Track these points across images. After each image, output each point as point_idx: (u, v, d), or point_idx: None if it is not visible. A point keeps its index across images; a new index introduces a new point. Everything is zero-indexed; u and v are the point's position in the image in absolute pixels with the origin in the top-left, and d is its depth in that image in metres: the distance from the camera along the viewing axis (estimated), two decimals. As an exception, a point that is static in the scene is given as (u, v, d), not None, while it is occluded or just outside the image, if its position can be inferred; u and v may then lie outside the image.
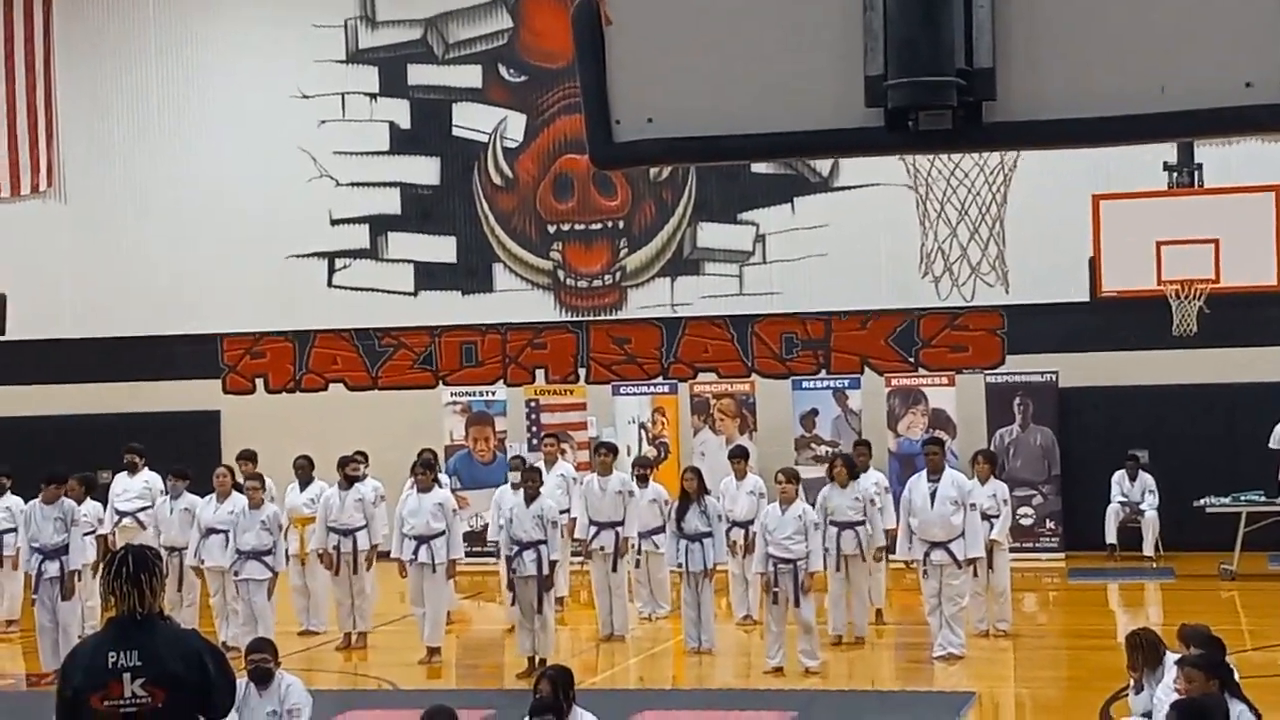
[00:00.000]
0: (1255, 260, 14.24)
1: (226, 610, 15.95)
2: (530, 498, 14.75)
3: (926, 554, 14.64)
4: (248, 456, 17.77)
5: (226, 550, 15.56)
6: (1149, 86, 3.40)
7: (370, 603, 16.46)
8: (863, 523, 15.40)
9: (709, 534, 15.22)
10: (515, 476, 16.32)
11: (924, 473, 14.98)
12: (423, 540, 15.42)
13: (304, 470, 17.41)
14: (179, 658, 6.09)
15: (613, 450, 17.13)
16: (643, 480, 16.86)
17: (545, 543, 14.58)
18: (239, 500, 15.80)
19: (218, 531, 15.72)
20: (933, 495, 14.66)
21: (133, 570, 6.14)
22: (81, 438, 22.25)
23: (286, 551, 15.96)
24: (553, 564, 14.72)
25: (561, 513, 17.20)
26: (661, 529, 16.47)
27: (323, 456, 17.30)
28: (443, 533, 15.46)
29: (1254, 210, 14.36)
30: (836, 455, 17.01)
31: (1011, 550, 20.62)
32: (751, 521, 16.01)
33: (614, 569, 16.13)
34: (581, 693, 9.72)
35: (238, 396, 24.15)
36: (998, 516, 15.88)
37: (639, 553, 16.80)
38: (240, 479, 16.42)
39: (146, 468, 18.14)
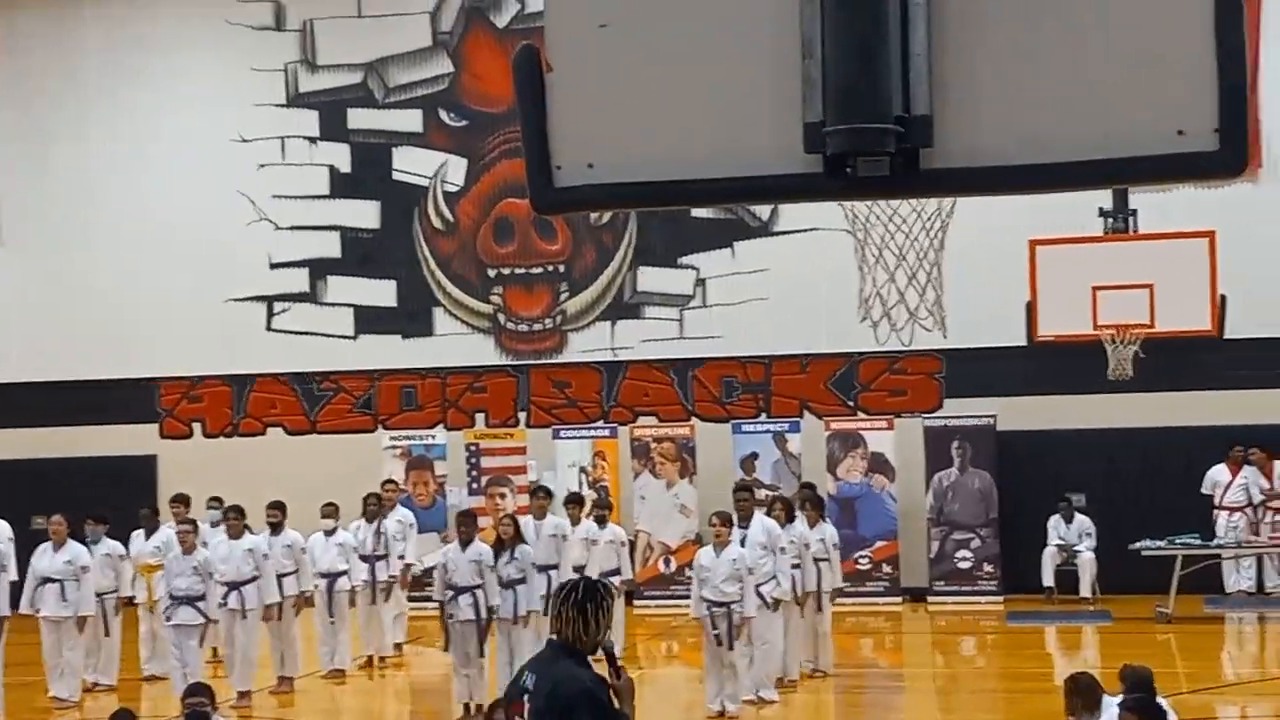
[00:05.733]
0: (1189, 305, 14.39)
1: (61, 665, 15.61)
2: (466, 543, 14.72)
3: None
4: (181, 500, 17.73)
5: (65, 600, 15.38)
6: (1083, 134, 3.45)
7: (298, 648, 16.35)
8: (798, 566, 15.33)
9: (522, 580, 15.09)
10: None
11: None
12: (233, 587, 15.45)
13: (149, 519, 17.51)
14: (549, 698, 6.07)
15: (548, 494, 17.16)
16: (601, 522, 17.04)
17: (482, 588, 14.54)
18: (172, 543, 15.73)
19: (53, 580, 15.51)
20: (742, 541, 14.44)
21: (580, 599, 6.21)
22: (18, 483, 22.01)
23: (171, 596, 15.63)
24: (490, 609, 14.67)
25: (399, 557, 18.15)
26: (617, 570, 16.89)
27: (260, 501, 17.16)
28: (254, 578, 15.51)
29: (1188, 256, 14.52)
30: (776, 498, 17.02)
31: (950, 593, 20.85)
32: (554, 566, 15.96)
33: (545, 613, 16.02)
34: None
35: (175, 441, 23.96)
36: (827, 560, 15.85)
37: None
38: (173, 523, 16.37)
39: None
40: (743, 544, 14.36)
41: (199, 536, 16.00)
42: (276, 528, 16.32)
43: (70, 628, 15.45)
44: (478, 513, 17.47)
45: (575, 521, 16.78)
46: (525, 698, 6.11)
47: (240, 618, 15.48)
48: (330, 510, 17.33)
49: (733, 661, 14.11)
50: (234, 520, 15.79)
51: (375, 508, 17.89)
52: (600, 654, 6.32)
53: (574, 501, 17.34)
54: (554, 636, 6.27)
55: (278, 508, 16.50)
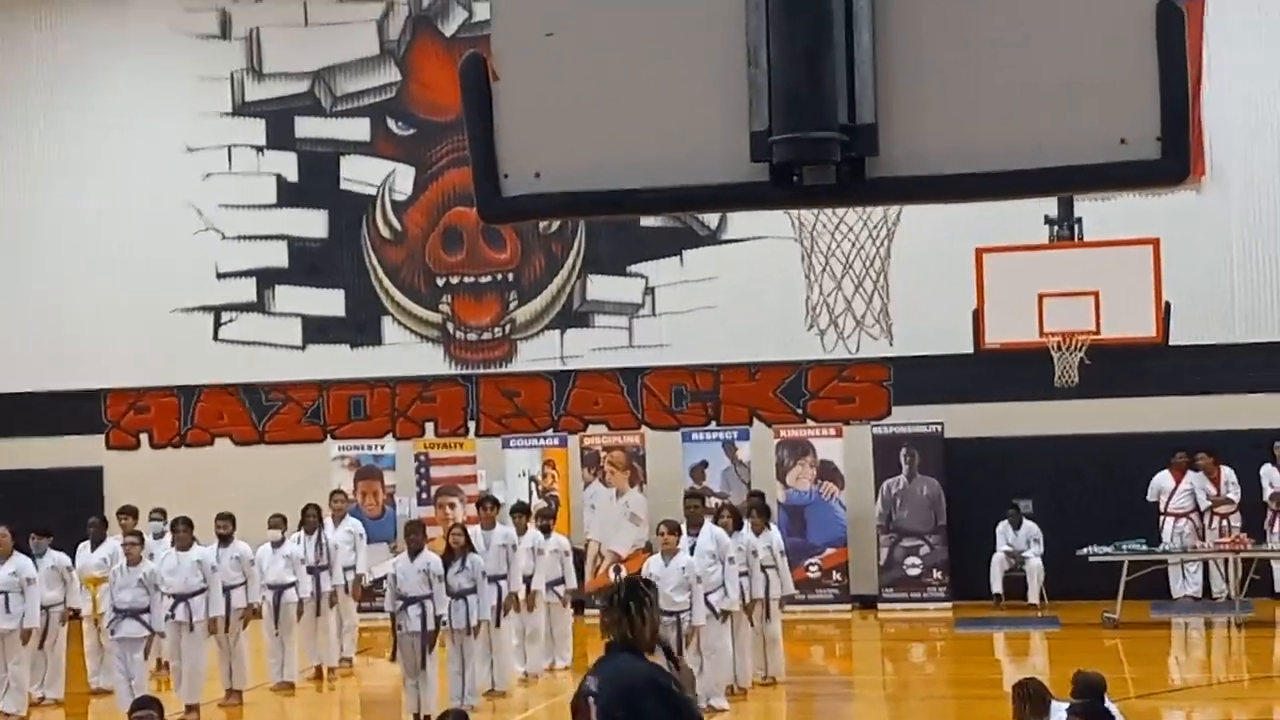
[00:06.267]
0: (1134, 313, 14.49)
1: (7, 679, 15.41)
2: (414, 553, 14.67)
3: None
4: (128, 512, 17.63)
5: (8, 613, 15.24)
6: (1027, 143, 3.47)
7: (246, 660, 16.26)
8: (745, 574, 15.35)
9: (473, 590, 15.07)
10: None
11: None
12: (180, 599, 15.36)
13: (97, 529, 17.41)
14: (616, 692, 6.15)
15: (496, 504, 17.14)
16: (545, 531, 17.12)
17: (430, 598, 14.50)
18: (118, 555, 15.62)
19: None
20: (691, 549, 14.51)
21: (623, 598, 6.27)
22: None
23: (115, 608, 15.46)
24: (438, 619, 14.62)
25: (346, 569, 18.07)
26: (562, 580, 17.07)
27: (208, 512, 17.05)
28: (201, 590, 15.46)
29: (1133, 263, 14.62)
30: (724, 506, 17.03)
31: (900, 600, 20.92)
32: (503, 576, 15.98)
33: (497, 624, 15.99)
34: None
35: (121, 452, 23.81)
36: (774, 567, 15.89)
37: (527, 603, 16.73)
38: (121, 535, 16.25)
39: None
40: (692, 552, 14.37)
41: (145, 549, 15.88)
42: (226, 539, 16.22)
43: (14, 641, 15.32)
44: (428, 523, 17.44)
45: (521, 531, 16.77)
46: (590, 700, 6.18)
47: (188, 630, 15.39)
48: (278, 522, 17.26)
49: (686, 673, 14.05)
50: (182, 532, 15.70)
51: (315, 519, 17.79)
52: (658, 650, 6.43)
53: (520, 511, 17.32)
54: (609, 639, 6.34)
55: (227, 519, 16.41)
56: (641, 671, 6.24)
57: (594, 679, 6.25)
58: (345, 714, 16.58)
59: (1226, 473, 20.53)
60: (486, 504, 16.93)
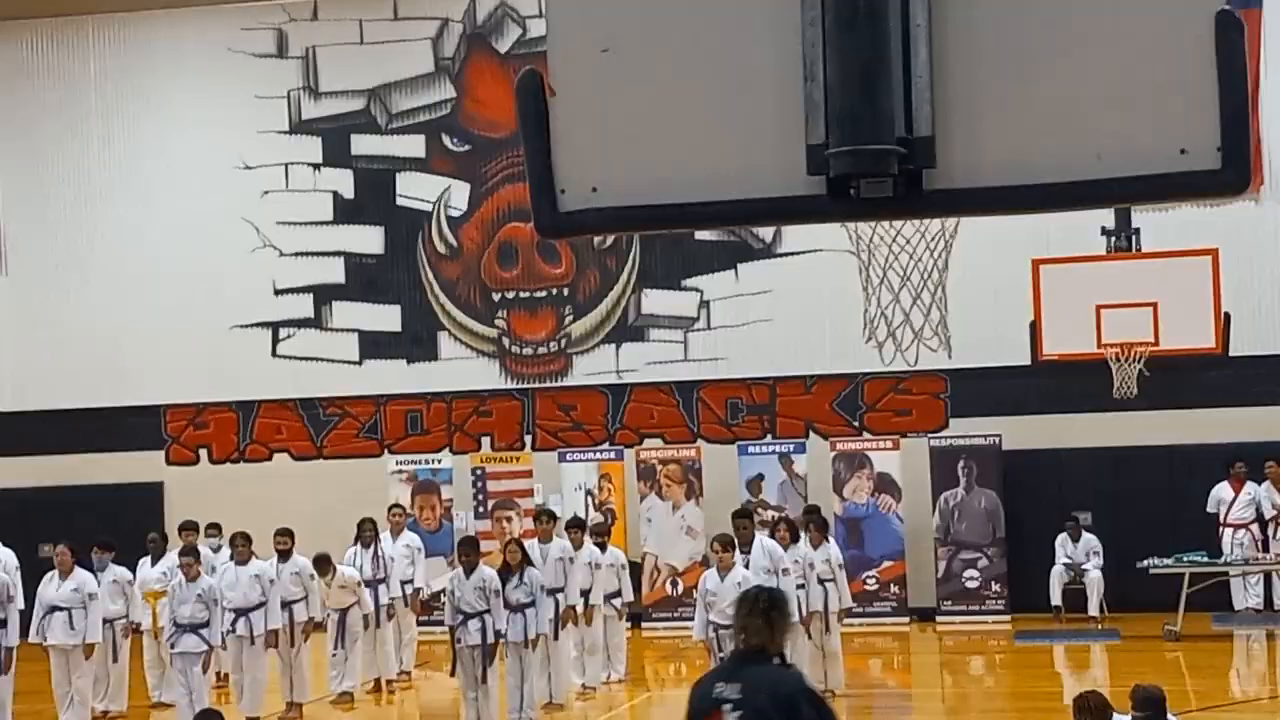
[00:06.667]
0: (1193, 323, 14.39)
1: (70, 694, 15.45)
2: (470, 569, 14.69)
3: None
4: (189, 527, 17.75)
5: (72, 629, 15.32)
6: (1086, 154, 3.46)
7: (308, 674, 16.33)
8: (802, 587, 15.31)
9: (531, 604, 15.04)
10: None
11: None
12: (240, 613, 15.46)
13: (157, 545, 17.48)
14: (770, 697, 6.19)
15: (553, 517, 17.15)
16: (601, 545, 17.09)
17: (489, 612, 14.52)
18: (177, 569, 15.73)
19: (60, 609, 15.38)
20: (746, 564, 14.42)
21: (763, 607, 6.34)
22: (26, 512, 22.02)
23: (175, 623, 15.42)
24: (497, 634, 14.64)
25: (404, 583, 18.16)
26: (619, 593, 17.05)
27: (268, 527, 17.14)
28: (261, 604, 15.55)
29: (1191, 274, 14.53)
30: (780, 519, 17.00)
31: (958, 613, 20.81)
32: (560, 589, 16.05)
33: (555, 636, 16.02)
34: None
35: (181, 468, 23.98)
36: (832, 580, 15.83)
37: (585, 617, 16.74)
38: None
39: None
40: (746, 568, 14.34)
41: (204, 563, 15.99)
42: (285, 555, 16.30)
43: (78, 656, 15.44)
44: (484, 536, 17.46)
45: (578, 545, 16.77)
46: (726, 707, 6.21)
47: (248, 644, 15.48)
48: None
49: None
50: (241, 546, 15.80)
51: (371, 532, 17.83)
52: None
53: (576, 526, 17.34)
54: (742, 645, 6.42)
55: (286, 534, 16.50)
56: (794, 677, 6.43)
57: (729, 686, 6.26)
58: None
59: (1290, 483, 20.37)
60: (544, 517, 16.96)
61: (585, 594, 16.59)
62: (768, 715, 6.15)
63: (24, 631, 15.10)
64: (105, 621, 15.86)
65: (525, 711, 14.77)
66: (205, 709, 11.27)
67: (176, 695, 15.30)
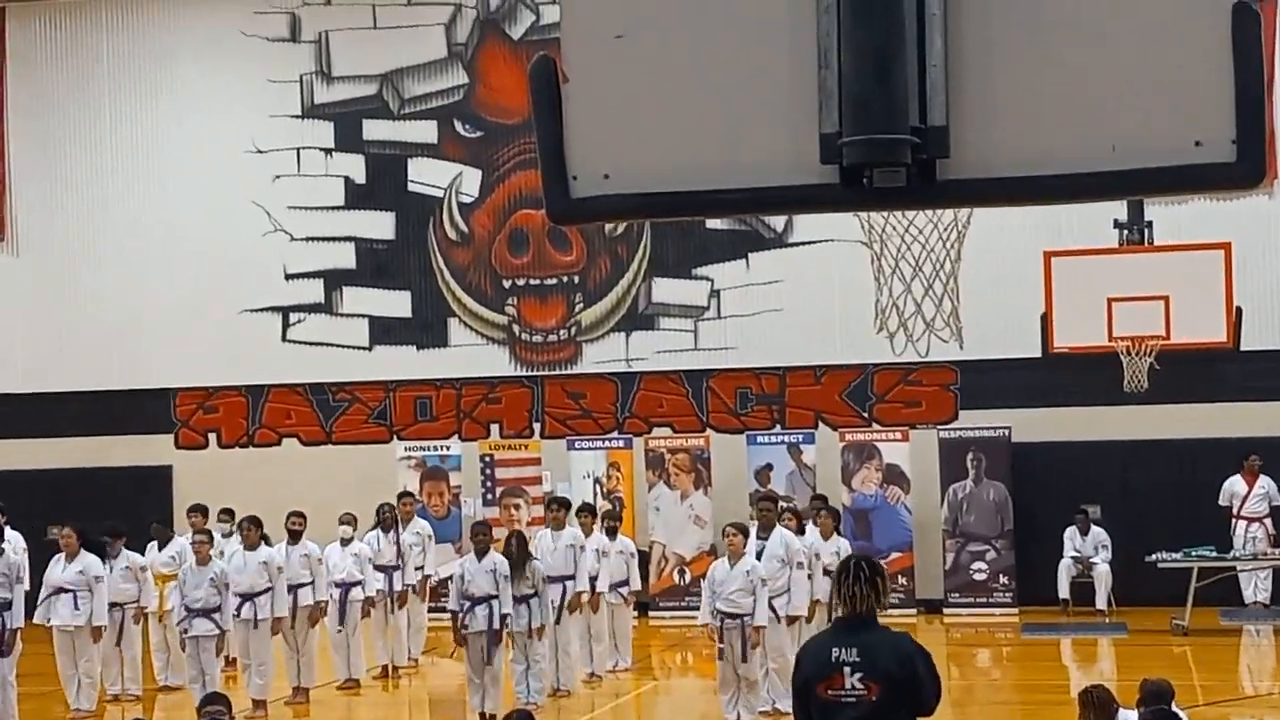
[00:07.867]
0: (1205, 317, 14.36)
1: (78, 676, 15.52)
2: (481, 553, 14.71)
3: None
4: (198, 510, 17.77)
5: (76, 611, 15.36)
6: (1100, 145, 3.45)
7: (314, 658, 16.36)
8: (810, 576, 15.25)
9: (534, 595, 15.06)
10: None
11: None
12: (247, 598, 15.47)
13: (159, 533, 17.46)
14: (892, 657, 6.78)
15: (565, 505, 17.15)
16: (611, 533, 17.17)
17: (497, 597, 14.54)
18: (186, 553, 15.77)
19: (66, 591, 15.43)
20: (760, 553, 14.39)
21: (868, 574, 6.84)
22: (34, 494, 22.05)
23: (187, 608, 15.44)
24: (504, 618, 14.65)
25: (416, 568, 18.20)
26: (627, 581, 17.07)
27: (276, 511, 17.17)
28: (268, 589, 15.56)
29: (1203, 268, 14.49)
30: (787, 509, 16.97)
31: (966, 605, 20.80)
32: (570, 576, 16.02)
33: (557, 621, 16.00)
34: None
35: (190, 451, 24.00)
36: None
37: (590, 606, 16.75)
38: (190, 534, 16.40)
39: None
40: (759, 555, 14.30)
41: (215, 547, 16.02)
42: (296, 536, 16.29)
43: (83, 638, 15.46)
44: (492, 524, 17.48)
45: (588, 532, 16.79)
46: (847, 669, 6.69)
47: (253, 628, 15.50)
48: (349, 519, 17.35)
49: (748, 673, 14.06)
50: (249, 531, 15.81)
51: (391, 518, 17.91)
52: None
53: (586, 512, 17.35)
54: (849, 611, 6.87)
55: (299, 516, 16.51)
56: (907, 638, 7.03)
57: (848, 650, 6.73)
58: (412, 713, 16.65)
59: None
60: (555, 505, 16.96)
61: (593, 581, 16.61)
62: (892, 673, 6.70)
63: (29, 613, 15.13)
64: (116, 605, 15.88)
65: (532, 698, 14.79)
66: (213, 691, 11.29)
67: (190, 678, 15.31)
